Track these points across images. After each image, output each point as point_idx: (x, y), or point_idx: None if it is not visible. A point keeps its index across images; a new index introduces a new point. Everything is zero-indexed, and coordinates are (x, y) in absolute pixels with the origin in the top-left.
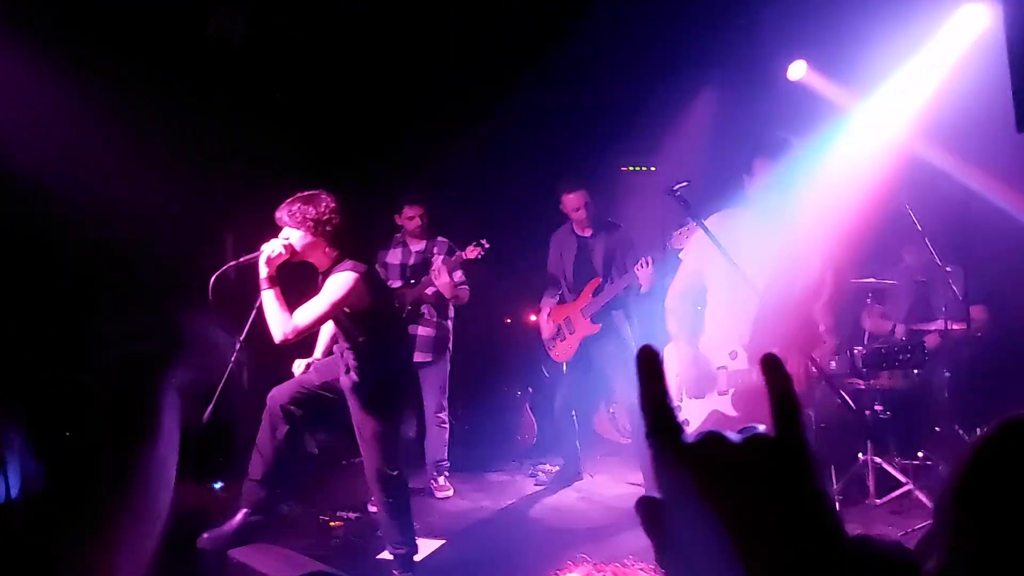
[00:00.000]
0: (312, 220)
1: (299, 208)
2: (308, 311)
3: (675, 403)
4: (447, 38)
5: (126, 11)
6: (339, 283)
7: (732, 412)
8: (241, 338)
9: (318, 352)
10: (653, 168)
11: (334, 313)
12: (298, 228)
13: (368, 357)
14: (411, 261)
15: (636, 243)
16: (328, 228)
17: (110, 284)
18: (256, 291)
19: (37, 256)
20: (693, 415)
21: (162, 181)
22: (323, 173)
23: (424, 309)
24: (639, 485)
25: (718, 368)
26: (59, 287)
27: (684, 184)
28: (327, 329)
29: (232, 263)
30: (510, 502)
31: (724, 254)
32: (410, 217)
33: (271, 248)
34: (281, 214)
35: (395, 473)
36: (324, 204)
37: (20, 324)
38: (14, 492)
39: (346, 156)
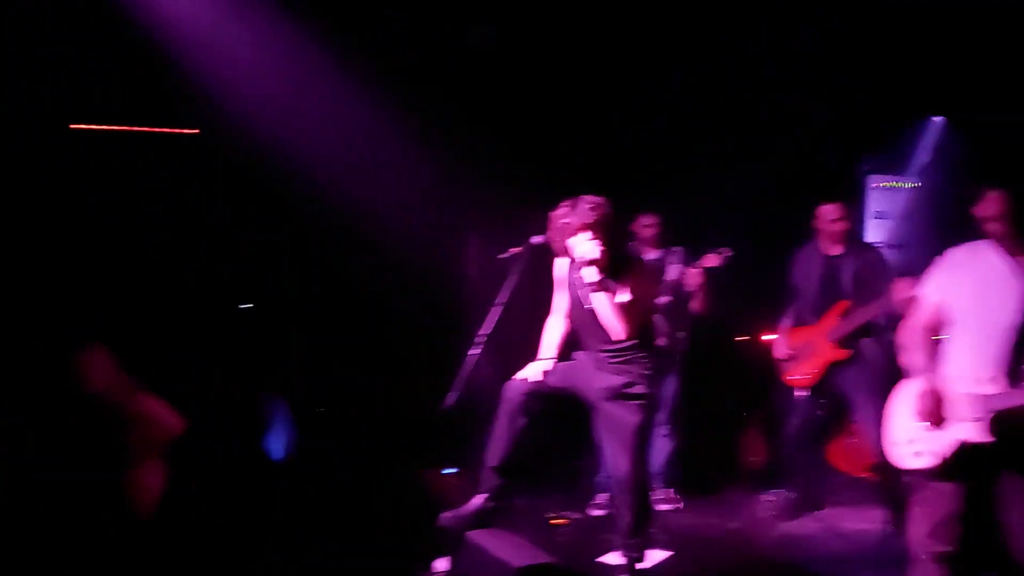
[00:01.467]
0: (599, 223)
1: (590, 209)
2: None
3: (915, 434)
4: (690, 45)
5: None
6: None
7: (988, 438)
8: (487, 331)
9: (548, 353)
10: (910, 184)
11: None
12: (588, 230)
13: (637, 359)
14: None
15: (887, 263)
16: (610, 230)
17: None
18: (500, 285)
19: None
20: (935, 446)
21: (414, 179)
22: (557, 179)
23: (655, 319)
24: (879, 523)
25: (966, 395)
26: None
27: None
28: (557, 330)
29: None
30: (740, 523)
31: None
32: (646, 225)
33: (589, 251)
34: (574, 220)
35: (640, 477)
36: (606, 207)
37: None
38: (277, 455)
39: (581, 163)
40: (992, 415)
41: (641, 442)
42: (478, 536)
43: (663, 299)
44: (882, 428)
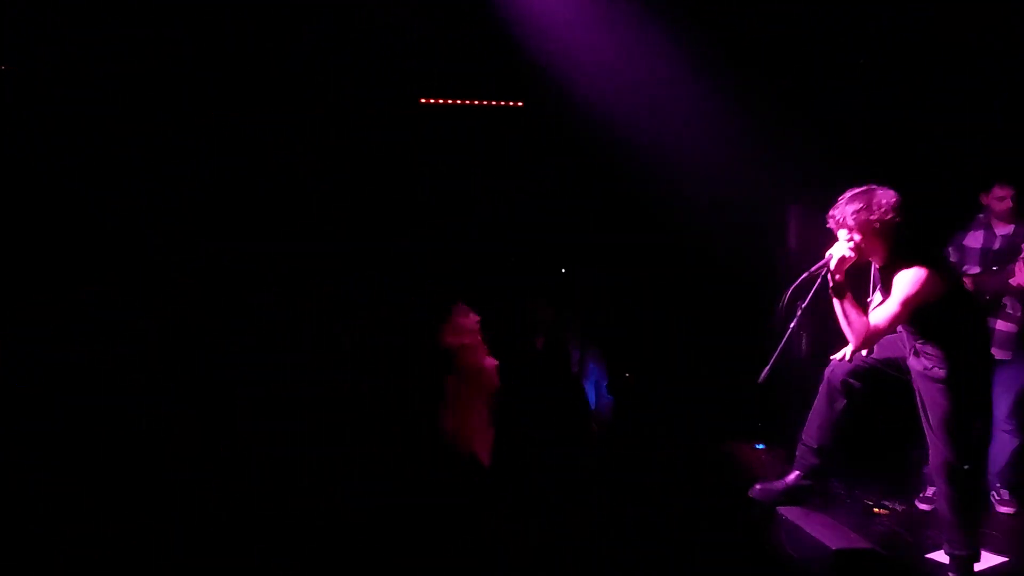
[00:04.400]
0: (874, 220)
1: (857, 209)
2: (883, 313)
3: None
4: None
5: None
6: (910, 280)
7: None
8: (803, 304)
9: None
10: None
11: (909, 311)
12: (859, 230)
13: (945, 345)
14: (995, 246)
15: None
16: (889, 226)
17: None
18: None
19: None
20: None
21: (740, 149)
22: (885, 151)
23: (1006, 301)
24: None
25: None
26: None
27: None
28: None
29: (805, 275)
30: None
31: None
32: (1000, 197)
33: (839, 253)
34: (838, 216)
35: (965, 467)
36: (883, 201)
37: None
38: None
39: (924, 127)
40: None
41: (959, 429)
42: (793, 514)
43: (1016, 280)
44: None
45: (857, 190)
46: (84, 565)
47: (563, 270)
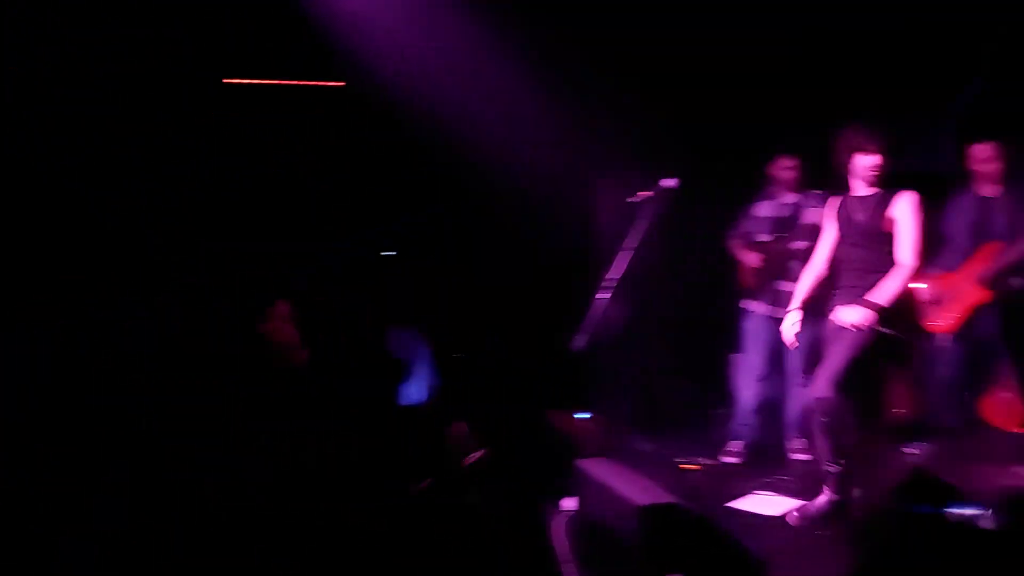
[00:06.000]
0: None
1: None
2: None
3: None
4: None
5: None
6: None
7: None
8: (612, 275)
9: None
10: None
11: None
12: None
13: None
14: (782, 214)
15: None
16: None
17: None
18: (622, 233)
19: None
20: None
21: (547, 123)
22: (689, 123)
23: (793, 265)
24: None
25: None
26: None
27: None
28: (810, 281)
29: None
30: (879, 470)
31: None
32: (785, 168)
33: None
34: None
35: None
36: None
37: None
38: (420, 398)
39: (719, 106)
40: None
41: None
42: (602, 474)
43: (800, 244)
44: None
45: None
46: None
47: (383, 255)
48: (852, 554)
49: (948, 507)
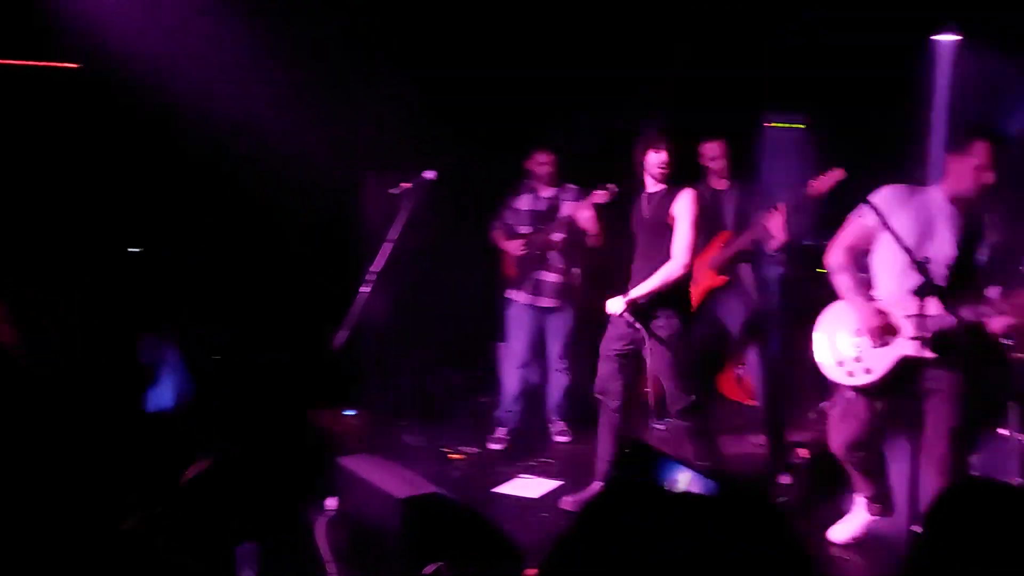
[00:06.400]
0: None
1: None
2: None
3: (856, 353)
4: None
5: None
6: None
7: (927, 354)
8: (374, 268)
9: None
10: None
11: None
12: None
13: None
14: (540, 207)
15: (771, 199)
16: None
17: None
18: (387, 225)
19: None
20: (877, 363)
21: (310, 118)
22: (458, 119)
23: (551, 256)
24: (761, 446)
25: (907, 316)
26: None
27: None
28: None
29: None
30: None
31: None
32: (541, 163)
33: None
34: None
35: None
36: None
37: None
38: (168, 404)
39: (480, 102)
40: (932, 334)
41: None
42: (362, 470)
43: (558, 235)
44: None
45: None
46: None
47: (130, 250)
48: (582, 528)
49: (664, 476)
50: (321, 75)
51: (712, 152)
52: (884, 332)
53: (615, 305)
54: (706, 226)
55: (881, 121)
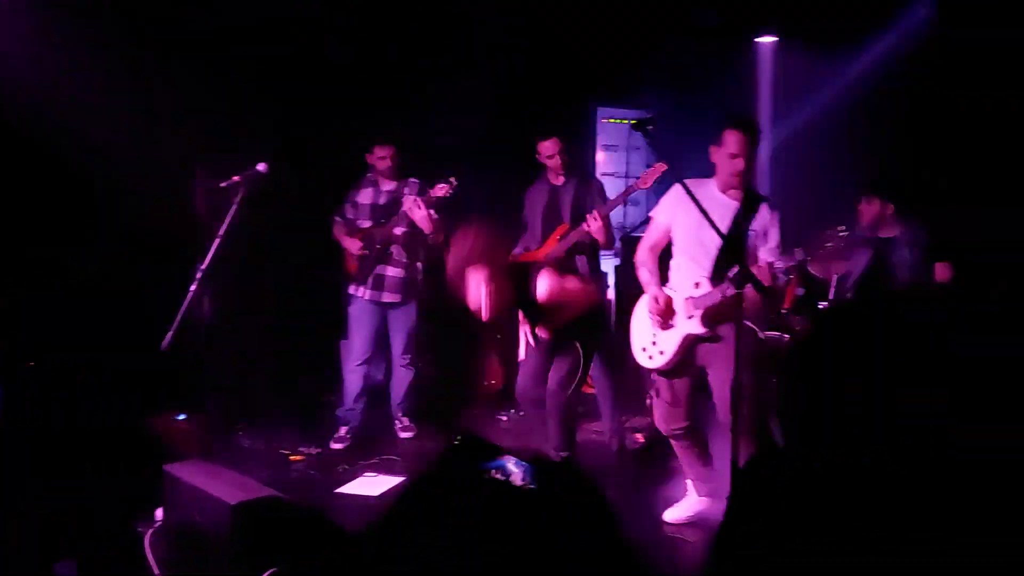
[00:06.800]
0: None
1: None
2: None
3: (652, 337)
4: None
5: None
6: None
7: (702, 330)
8: (203, 266)
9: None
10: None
11: None
12: None
13: None
14: (381, 201)
15: (606, 193)
16: None
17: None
18: (220, 219)
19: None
20: (667, 345)
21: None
22: (294, 112)
23: (394, 250)
24: (599, 432)
25: (686, 299)
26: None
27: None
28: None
29: None
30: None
31: (698, 209)
32: (381, 157)
33: None
34: None
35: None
36: None
37: None
38: None
39: (318, 95)
40: (702, 311)
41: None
42: (192, 477)
43: (400, 230)
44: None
45: None
46: None
47: None
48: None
49: (491, 466)
50: (146, 62)
51: (548, 150)
52: (666, 315)
53: None
54: (545, 221)
55: (707, 117)
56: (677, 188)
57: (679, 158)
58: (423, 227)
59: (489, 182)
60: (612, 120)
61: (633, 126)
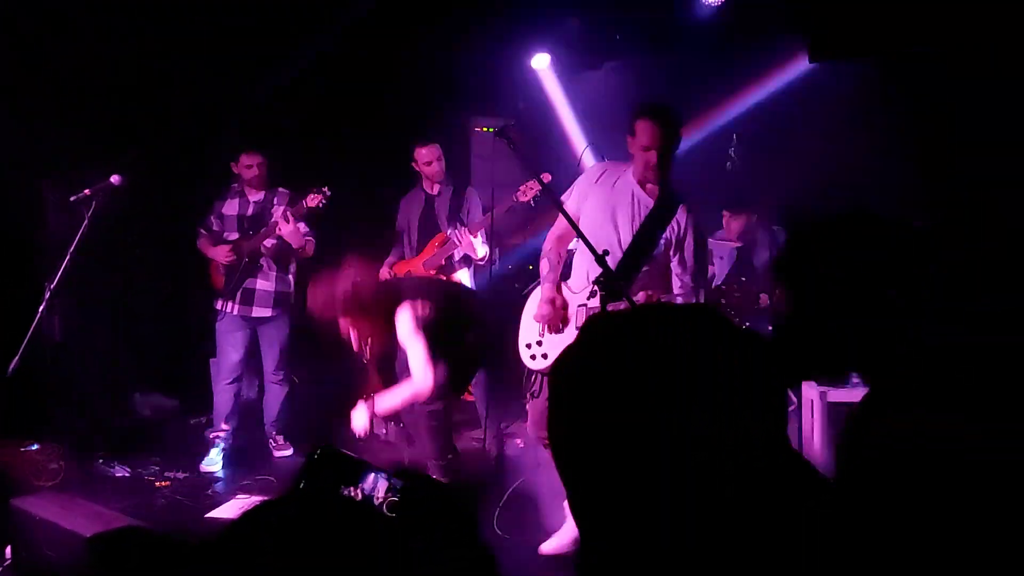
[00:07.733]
0: None
1: None
2: None
3: (538, 337)
4: None
5: None
6: None
7: None
8: (52, 285)
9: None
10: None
11: None
12: None
13: None
14: (249, 212)
15: (482, 202)
16: None
17: None
18: (73, 237)
19: None
20: (553, 349)
21: None
22: (157, 121)
23: (263, 262)
24: (479, 440)
25: (579, 306)
26: None
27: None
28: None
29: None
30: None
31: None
32: (248, 166)
33: None
34: None
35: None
36: None
37: None
38: None
39: (180, 104)
40: None
41: None
42: (42, 510)
43: (269, 241)
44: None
45: None
46: None
47: None
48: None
49: (353, 481)
50: None
51: (425, 157)
52: (556, 319)
53: None
54: (421, 228)
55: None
56: (593, 171)
57: (544, 165)
58: (292, 242)
59: (360, 190)
60: (486, 129)
61: (496, 134)
